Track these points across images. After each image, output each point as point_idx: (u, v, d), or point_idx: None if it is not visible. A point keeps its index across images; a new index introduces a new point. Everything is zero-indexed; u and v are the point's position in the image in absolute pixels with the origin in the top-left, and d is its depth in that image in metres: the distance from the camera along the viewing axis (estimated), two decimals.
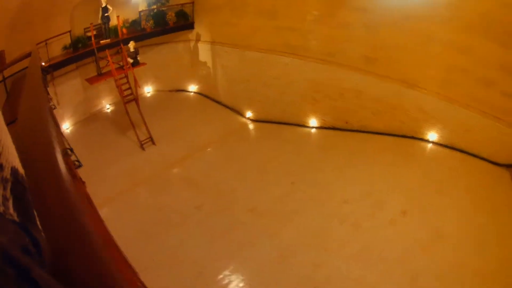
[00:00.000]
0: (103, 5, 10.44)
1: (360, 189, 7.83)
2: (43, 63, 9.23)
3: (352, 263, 6.23)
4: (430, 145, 8.92)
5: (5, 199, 0.48)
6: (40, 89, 3.20)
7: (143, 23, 11.49)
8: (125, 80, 10.46)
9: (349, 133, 9.85)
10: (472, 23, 7.29)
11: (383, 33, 8.52)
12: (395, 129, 9.34)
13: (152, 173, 9.28)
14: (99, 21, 10.62)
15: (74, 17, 10.27)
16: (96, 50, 10.44)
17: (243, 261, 6.51)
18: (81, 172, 6.08)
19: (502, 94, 7.38)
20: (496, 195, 7.05)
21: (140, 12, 11.50)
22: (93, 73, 10.98)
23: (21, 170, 0.54)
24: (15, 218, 0.48)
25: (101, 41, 10.61)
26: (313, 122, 10.53)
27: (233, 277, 6.20)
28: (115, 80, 10.24)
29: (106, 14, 10.58)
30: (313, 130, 10.53)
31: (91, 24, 10.15)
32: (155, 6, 11.76)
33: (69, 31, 10.14)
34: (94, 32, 10.24)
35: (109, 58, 10.09)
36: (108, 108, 12.39)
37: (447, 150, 8.62)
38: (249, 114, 11.56)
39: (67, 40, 10.18)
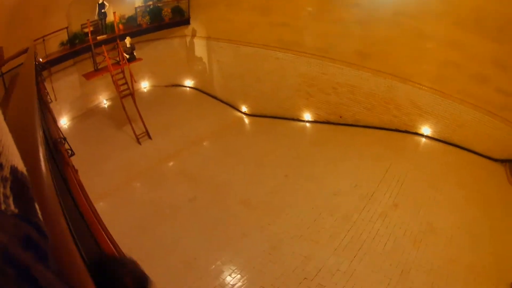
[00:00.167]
0: (100, 1, 10.69)
1: (352, 182, 7.98)
2: (40, 59, 9.48)
3: (342, 255, 6.31)
4: (423, 140, 9.09)
5: (5, 197, 0.49)
6: (32, 82, 3.43)
7: (139, 19, 11.71)
8: (121, 75, 10.70)
9: (343, 127, 10.04)
10: (465, 18, 7.42)
11: (376, 29, 8.70)
12: (388, 123, 9.54)
13: (148, 167, 9.51)
14: (96, 17, 10.84)
15: (71, 13, 10.48)
16: (92, 46, 10.65)
17: (234, 252, 6.69)
18: (78, 166, 6.33)
19: (496, 90, 7.54)
20: (490, 190, 7.16)
21: (136, 8, 11.73)
22: (90, 68, 11.19)
23: (21, 167, 0.55)
24: (16, 212, 0.50)
25: (98, 37, 10.81)
26: (307, 116, 10.74)
27: (224, 267, 6.36)
28: (112, 76, 10.47)
29: (102, 10, 10.81)
30: (308, 124, 10.74)
31: (88, 20, 10.34)
32: (151, 2, 11.97)
33: (66, 27, 10.36)
34: (91, 28, 10.44)
35: (105, 54, 10.32)
36: (105, 103, 12.63)
37: (440, 145, 8.77)
38: (244, 108, 11.78)
39: (64, 36, 10.40)
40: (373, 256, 6.20)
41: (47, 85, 9.72)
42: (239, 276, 6.20)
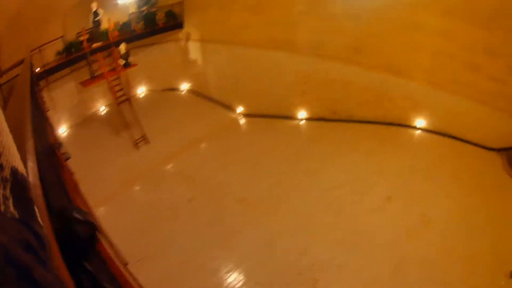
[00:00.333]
0: (94, 9, 11.04)
1: (346, 177, 8.19)
2: (37, 69, 9.88)
3: (336, 249, 6.48)
4: (418, 132, 9.24)
5: (5, 198, 0.49)
6: (26, 93, 3.76)
7: (133, 25, 12.07)
8: (117, 81, 11.02)
9: (337, 123, 10.25)
10: (456, 7, 7.55)
11: (367, 23, 8.87)
12: (382, 118, 9.70)
13: (147, 170, 9.78)
14: (91, 25, 11.18)
15: (66, 22, 10.85)
16: (88, 53, 11.01)
17: (231, 249, 6.91)
18: (78, 172, 6.64)
19: (489, 78, 7.62)
20: (486, 179, 7.26)
21: (130, 14, 12.08)
22: (86, 76, 11.50)
23: (21, 169, 0.56)
24: (16, 216, 0.51)
25: (93, 45, 11.17)
26: (302, 114, 10.96)
27: (221, 265, 6.58)
28: (108, 82, 10.83)
29: (97, 18, 11.17)
30: (303, 122, 10.96)
31: (83, 28, 10.72)
32: (144, 8, 12.30)
33: (62, 37, 10.73)
34: (86, 36, 10.81)
35: (101, 61, 10.67)
36: (103, 110, 12.98)
37: (435, 137, 8.90)
38: (240, 109, 12.05)
39: (60, 45, 10.77)
40: (367, 250, 6.38)
41: (45, 94, 10.11)
42: (235, 273, 6.40)
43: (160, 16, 12.31)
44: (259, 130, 11.17)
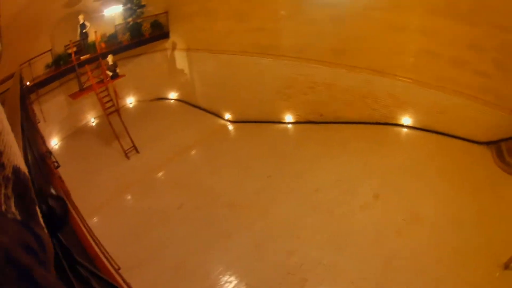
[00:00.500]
0: (81, 21, 11.32)
1: (333, 177, 8.37)
2: (28, 83, 10.15)
3: (324, 249, 6.59)
4: (405, 130, 9.43)
5: (6, 197, 0.50)
6: (17, 105, 4.07)
7: (120, 36, 12.38)
8: (106, 93, 11.32)
9: (324, 125, 10.54)
10: (437, 5, 7.71)
11: (348, 25, 9.13)
12: (368, 117, 9.95)
13: (137, 179, 10.07)
14: (78, 38, 11.45)
15: (54, 35, 11.13)
16: (76, 66, 11.23)
17: (220, 252, 7.13)
18: (70, 183, 6.88)
19: (474, 72, 7.74)
20: (476, 173, 7.31)
21: (116, 25, 12.39)
22: (75, 88, 11.78)
23: (23, 168, 0.56)
24: (17, 216, 0.51)
25: (81, 57, 11.41)
26: (288, 117, 11.29)
27: (211, 268, 6.81)
28: (97, 94, 11.12)
29: (84, 31, 11.42)
30: (289, 126, 11.28)
31: (70, 41, 10.98)
32: (130, 19, 12.60)
33: (50, 50, 11.00)
34: (74, 49, 11.05)
35: (89, 73, 10.97)
36: (93, 122, 13.29)
37: (422, 133, 9.07)
38: (227, 115, 12.41)
39: (49, 58, 11.02)
40: (355, 248, 6.46)
41: (36, 107, 10.36)
42: (226, 275, 6.56)
43: (146, 27, 12.63)
44: (246, 135, 11.49)
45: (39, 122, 9.05)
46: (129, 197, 9.68)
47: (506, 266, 5.21)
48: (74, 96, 11.52)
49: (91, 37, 11.63)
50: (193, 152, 11.26)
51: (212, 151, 11.00)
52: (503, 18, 6.94)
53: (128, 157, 11.06)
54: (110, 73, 11.39)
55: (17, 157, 0.55)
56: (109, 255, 5.45)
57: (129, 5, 12.28)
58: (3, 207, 0.49)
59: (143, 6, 12.64)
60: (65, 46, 11.15)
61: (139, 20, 12.75)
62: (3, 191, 0.50)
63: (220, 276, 6.60)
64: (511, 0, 6.73)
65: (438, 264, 5.62)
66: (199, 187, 9.30)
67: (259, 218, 7.80)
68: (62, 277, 1.38)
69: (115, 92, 11.49)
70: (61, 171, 6.45)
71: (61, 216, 1.21)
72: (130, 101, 14.25)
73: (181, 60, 13.43)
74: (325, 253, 6.51)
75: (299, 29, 10.07)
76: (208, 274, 6.72)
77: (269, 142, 10.68)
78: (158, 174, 10.38)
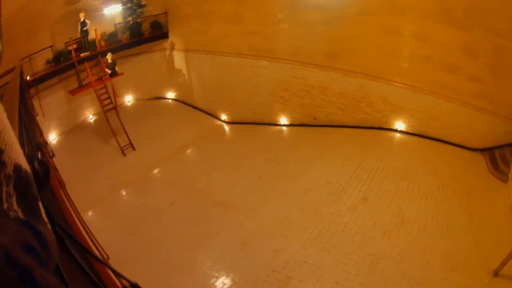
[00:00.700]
0: (82, 19, 11.63)
1: (324, 179, 8.59)
2: (28, 77, 10.48)
3: (310, 248, 6.76)
4: (397, 135, 9.66)
5: (8, 195, 0.50)
6: (15, 97, 4.38)
7: (119, 35, 12.71)
8: (104, 90, 11.63)
9: (318, 128, 10.83)
10: (432, 10, 7.84)
11: (342, 29, 9.37)
12: (362, 122, 10.20)
13: (132, 176, 10.37)
14: (79, 35, 11.77)
15: (55, 32, 11.43)
16: (76, 63, 11.56)
17: (208, 249, 7.40)
18: (66, 179, 7.12)
19: (468, 78, 7.86)
20: (468, 179, 7.42)
21: (116, 24, 12.72)
22: (75, 85, 12.10)
23: (24, 166, 0.56)
24: (19, 214, 0.51)
25: (81, 54, 11.73)
26: (283, 120, 11.60)
27: (198, 264, 7.10)
28: (95, 91, 11.46)
29: (84, 28, 11.75)
30: (284, 128, 11.59)
31: (71, 38, 11.27)
32: (130, 18, 12.91)
33: (51, 46, 11.31)
34: (74, 46, 11.34)
35: (88, 70, 11.29)
36: (91, 118, 13.61)
37: (415, 138, 9.29)
38: (223, 116, 12.72)
39: (49, 54, 11.32)
40: (341, 248, 6.59)
41: (35, 102, 10.67)
42: (213, 272, 6.81)
43: (146, 27, 12.96)
44: (241, 136, 11.78)
45: (37, 115, 9.39)
46: (123, 193, 9.98)
47: (496, 274, 5.17)
48: (73, 92, 11.85)
49: (92, 35, 11.93)
50: (188, 151, 11.56)
51: (207, 151, 11.30)
52: (497, 23, 7.05)
53: (124, 154, 11.37)
54: (109, 71, 11.71)
55: (18, 155, 0.56)
56: (98, 243, 5.75)
57: (129, 5, 12.60)
58: (5, 205, 0.49)
59: (143, 6, 12.97)
60: (66, 43, 11.42)
61: (139, 20, 13.05)
62: (4, 189, 0.51)
63: (207, 271, 6.85)
64: (505, 5, 6.82)
65: (426, 266, 5.69)
66: (192, 186, 9.59)
67: (248, 217, 8.04)
68: None
69: (114, 89, 11.81)
70: (57, 165, 6.76)
71: (43, 176, 1.49)
72: (128, 99, 14.57)
73: (179, 60, 13.75)
74: (311, 253, 6.67)
75: (294, 33, 10.33)
76: (195, 269, 6.96)
77: (263, 143, 10.98)
78: (153, 172, 10.68)
